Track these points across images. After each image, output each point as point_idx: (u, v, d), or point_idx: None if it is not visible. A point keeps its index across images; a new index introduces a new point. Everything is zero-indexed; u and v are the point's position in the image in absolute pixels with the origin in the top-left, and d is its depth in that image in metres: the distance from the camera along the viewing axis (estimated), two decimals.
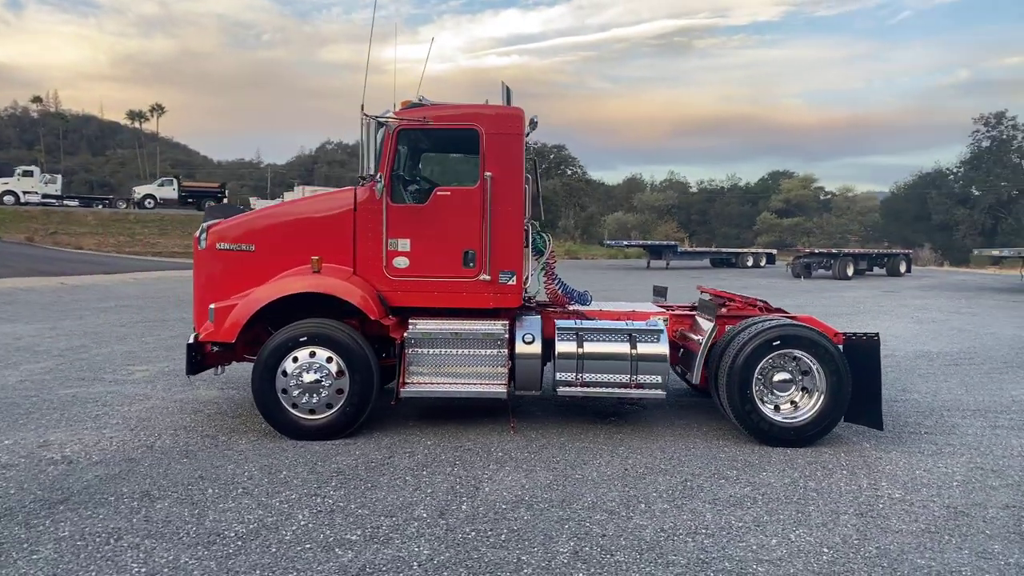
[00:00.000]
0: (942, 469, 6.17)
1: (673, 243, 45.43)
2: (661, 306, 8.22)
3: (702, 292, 8.57)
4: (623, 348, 6.82)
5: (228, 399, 8.40)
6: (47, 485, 5.50)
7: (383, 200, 6.99)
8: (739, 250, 49.00)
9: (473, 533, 4.74)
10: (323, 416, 6.71)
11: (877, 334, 6.81)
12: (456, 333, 6.84)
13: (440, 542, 4.60)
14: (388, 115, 6.96)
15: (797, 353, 6.67)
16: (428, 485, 5.63)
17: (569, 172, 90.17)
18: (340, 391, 6.70)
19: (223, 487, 5.51)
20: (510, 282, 7.02)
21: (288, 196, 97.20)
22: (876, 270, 39.47)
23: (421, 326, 6.88)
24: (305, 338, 6.67)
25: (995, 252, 33.72)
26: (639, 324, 7.08)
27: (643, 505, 5.27)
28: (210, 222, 7.29)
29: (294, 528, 4.78)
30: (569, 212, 73.82)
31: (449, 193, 6.99)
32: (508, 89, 7.81)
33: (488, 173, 6.88)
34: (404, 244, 7.02)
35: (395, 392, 6.93)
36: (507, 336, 6.85)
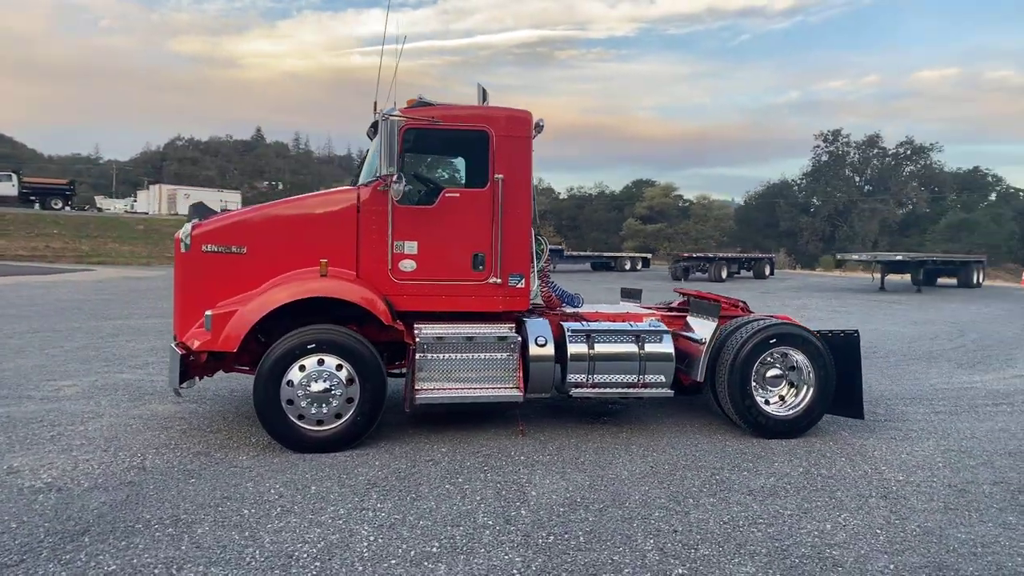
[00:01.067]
0: (921, 452, 6.81)
1: (559, 247, 46.58)
2: (646, 307, 8.48)
3: (681, 294, 8.94)
4: (632, 348, 7.00)
5: (192, 412, 7.78)
6: (51, 516, 4.89)
7: (389, 201, 6.76)
8: (618, 254, 51.10)
9: (552, 537, 4.72)
10: (331, 427, 6.40)
11: (856, 331, 7.41)
12: (469, 337, 6.74)
13: (525, 548, 4.54)
14: (395, 113, 6.75)
15: (789, 350, 7.12)
16: (473, 492, 5.51)
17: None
18: (350, 400, 6.41)
19: (257, 506, 5.13)
20: (519, 285, 7.01)
21: (143, 196, 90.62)
22: (743, 272, 42.50)
23: (430, 330, 6.72)
24: (313, 345, 6.33)
25: (855, 256, 37.31)
26: (642, 325, 7.29)
27: (691, 500, 5.45)
28: (195, 222, 6.73)
29: (365, 544, 4.55)
30: None
31: (458, 195, 6.88)
32: (484, 91, 7.79)
33: (499, 175, 6.84)
34: (411, 247, 6.83)
35: (405, 399, 6.72)
36: (520, 339, 6.83)
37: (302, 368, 6.33)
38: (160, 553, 4.36)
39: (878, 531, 4.91)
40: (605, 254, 50.98)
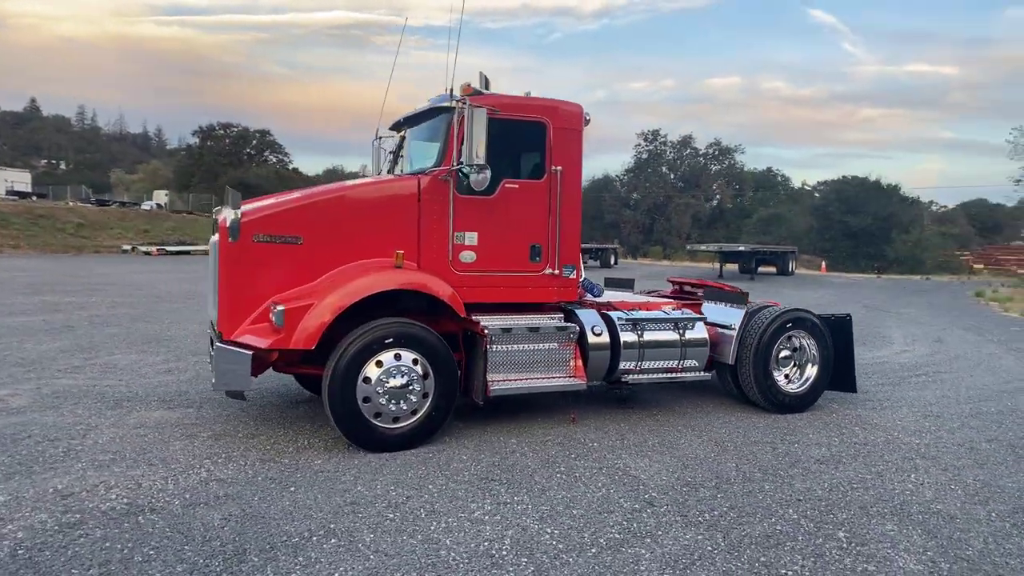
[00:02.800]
0: (907, 419, 7.86)
1: None
2: (661, 295, 8.93)
3: (673, 282, 9.48)
4: (673, 335, 7.40)
5: (195, 418, 7.08)
6: (177, 539, 4.36)
7: (450, 190, 6.60)
8: None
9: (708, 515, 4.98)
10: (408, 423, 6.19)
11: (849, 315, 8.35)
12: (533, 328, 6.77)
13: (696, 527, 4.77)
14: (455, 99, 6.60)
15: (798, 333, 7.89)
16: (588, 479, 5.62)
17: (274, 160, 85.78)
18: (425, 395, 6.23)
19: (395, 509, 4.91)
20: (571, 276, 7.14)
21: None
22: (590, 262, 44.76)
23: (497, 322, 6.67)
24: (391, 339, 6.07)
25: (702, 247, 40.58)
26: (677, 313, 7.71)
27: (781, 472, 5.94)
28: (243, 209, 6.12)
29: (547, 536, 4.55)
30: None
31: (517, 186, 6.85)
32: (487, 78, 7.82)
33: (558, 167, 6.91)
34: (471, 237, 6.71)
35: (474, 391, 6.61)
36: (578, 329, 6.97)
37: (379, 364, 6.05)
38: (358, 564, 4.08)
39: (952, 487, 5.70)
40: None
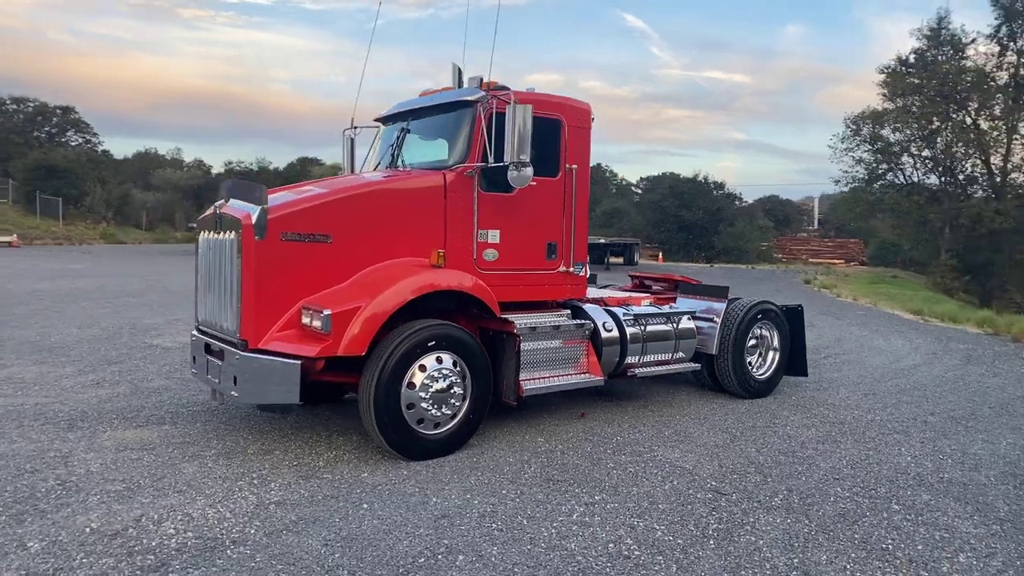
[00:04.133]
0: (853, 398, 8.75)
1: None
2: (634, 289, 9.20)
3: (633, 277, 9.80)
4: (668, 328, 7.72)
5: (187, 435, 6.38)
6: (298, 570, 3.97)
7: (474, 188, 6.44)
8: None
9: (781, 498, 5.31)
10: (446, 428, 5.99)
11: (800, 306, 9.12)
12: (556, 327, 6.77)
13: (776, 512, 5.07)
14: (479, 95, 6.43)
15: (764, 323, 8.52)
16: (652, 473, 5.75)
17: (80, 140, 77.10)
18: (464, 398, 6.07)
19: (496, 520, 4.77)
20: (581, 273, 7.22)
21: None
22: (613, 260, 44.26)
23: (524, 321, 6.60)
24: (433, 342, 5.83)
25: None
26: (665, 308, 8.02)
27: (808, 451, 6.43)
28: (269, 205, 5.56)
29: (666, 529, 4.65)
30: (95, 187, 62.98)
31: (535, 183, 6.79)
32: (460, 71, 7.79)
33: (573, 165, 6.94)
34: (494, 235, 6.59)
35: (503, 392, 6.49)
36: (592, 326, 7.06)
37: (422, 368, 5.80)
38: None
39: (939, 456, 6.47)
40: None
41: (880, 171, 37.00)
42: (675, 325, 7.79)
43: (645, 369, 7.56)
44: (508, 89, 6.61)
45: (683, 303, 8.59)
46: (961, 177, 35.23)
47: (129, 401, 7.50)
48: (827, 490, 5.52)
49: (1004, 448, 6.82)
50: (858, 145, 36.48)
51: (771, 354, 8.66)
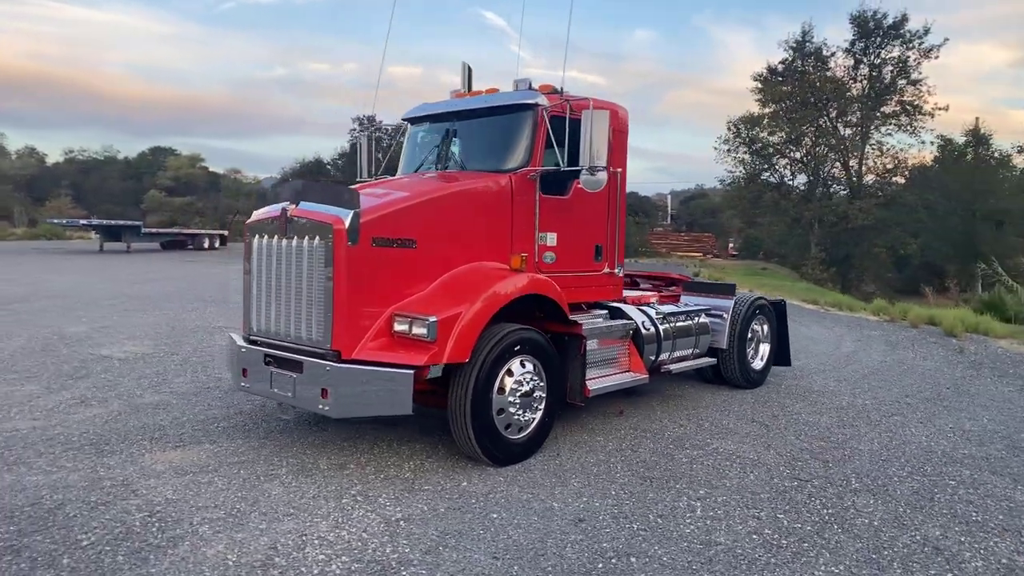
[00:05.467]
0: (831, 384, 9.52)
1: (136, 223, 40.15)
2: (631, 288, 9.43)
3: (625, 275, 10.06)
4: (691, 324, 8.06)
5: (237, 454, 5.97)
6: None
7: (535, 190, 6.45)
8: (196, 231, 46.66)
9: (856, 481, 5.75)
10: (527, 432, 5.99)
11: (783, 300, 9.77)
12: (610, 328, 6.91)
13: (864, 495, 5.51)
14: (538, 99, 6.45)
15: (760, 317, 9.09)
16: (721, 467, 6.04)
17: None
18: (542, 401, 6.09)
19: (635, 522, 4.86)
20: (620, 274, 7.39)
21: None
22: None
23: (587, 322, 6.69)
24: (518, 346, 5.81)
25: None
26: (685, 306, 8.36)
27: (836, 435, 6.96)
28: (359, 209, 5.28)
29: (791, 519, 4.92)
30: None
31: None
32: (470, 69, 7.86)
33: (617, 168, 7.09)
34: (552, 238, 6.63)
35: (569, 393, 6.52)
36: (635, 325, 7.25)
37: (509, 373, 5.77)
38: None
39: (942, 435, 7.23)
40: (185, 231, 46.03)
41: (757, 170, 39.97)
42: (695, 322, 8.15)
43: (675, 365, 7.86)
44: (558, 91, 6.67)
45: (689, 300, 8.98)
46: (825, 178, 38.75)
47: (138, 420, 6.86)
48: (885, 471, 6.04)
49: (989, 424, 7.72)
50: (738, 147, 39.21)
51: (763, 346, 9.25)
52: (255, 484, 5.29)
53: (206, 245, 45.20)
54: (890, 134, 37.20)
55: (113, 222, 40.85)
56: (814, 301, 21.19)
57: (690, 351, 8.11)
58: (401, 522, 4.70)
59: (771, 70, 38.99)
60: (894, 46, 36.36)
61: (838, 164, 37.99)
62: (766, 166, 39.74)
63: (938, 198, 36.20)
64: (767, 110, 37.27)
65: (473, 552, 4.29)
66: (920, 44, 35.76)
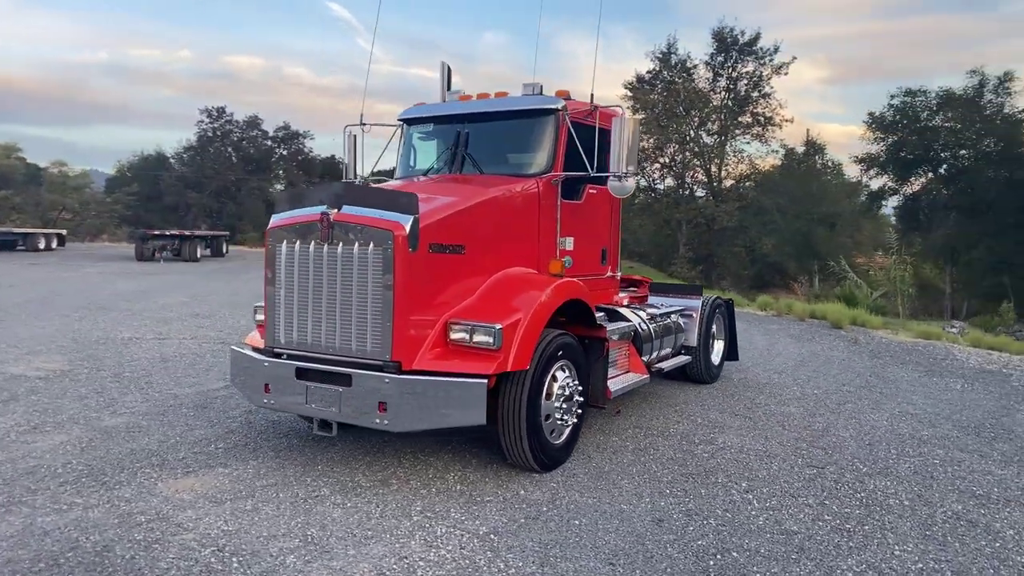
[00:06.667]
0: (778, 377, 10.23)
1: None
2: None
3: None
4: (670, 324, 8.39)
5: (268, 474, 5.57)
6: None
7: (557, 195, 6.49)
8: (31, 230, 41.94)
9: (885, 465, 6.28)
10: (564, 437, 6.02)
11: (732, 299, 10.37)
12: (623, 330, 7.04)
13: (892, 479, 6.03)
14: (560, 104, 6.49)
15: (717, 316, 9.63)
16: (747, 460, 6.37)
17: None
18: (578, 404, 6.14)
19: (711, 518, 5.04)
20: (617, 276, 7.57)
21: None
22: (200, 251, 40.72)
23: (610, 326, 6.79)
24: (561, 351, 5.83)
25: None
26: (666, 307, 8.67)
27: (818, 418, 7.54)
28: (422, 212, 5.05)
29: (856, 507, 5.30)
30: None
31: (596, 191, 6.99)
32: (449, 69, 7.92)
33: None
34: (569, 242, 6.68)
35: (592, 396, 6.57)
36: (635, 327, 7.45)
37: (554, 378, 5.77)
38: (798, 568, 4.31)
39: (900, 419, 8.03)
40: (16, 230, 41.20)
41: None
42: (673, 321, 8.50)
43: (665, 364, 8.16)
44: (568, 96, 6.73)
45: (658, 301, 9.32)
46: (690, 182, 41.41)
47: (118, 446, 6.17)
48: (876, 454, 6.63)
49: (927, 407, 8.66)
50: None
51: (718, 343, 9.80)
52: (307, 507, 4.95)
53: (42, 246, 40.97)
54: (748, 143, 40.43)
55: None
56: None
57: (670, 350, 8.45)
58: (492, 536, 4.59)
59: (639, 78, 41.10)
60: (748, 61, 39.53)
61: (701, 170, 40.76)
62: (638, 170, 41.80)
63: (785, 202, 39.74)
64: (640, 116, 39.21)
65: (586, 560, 4.28)
66: (771, 61, 39.16)
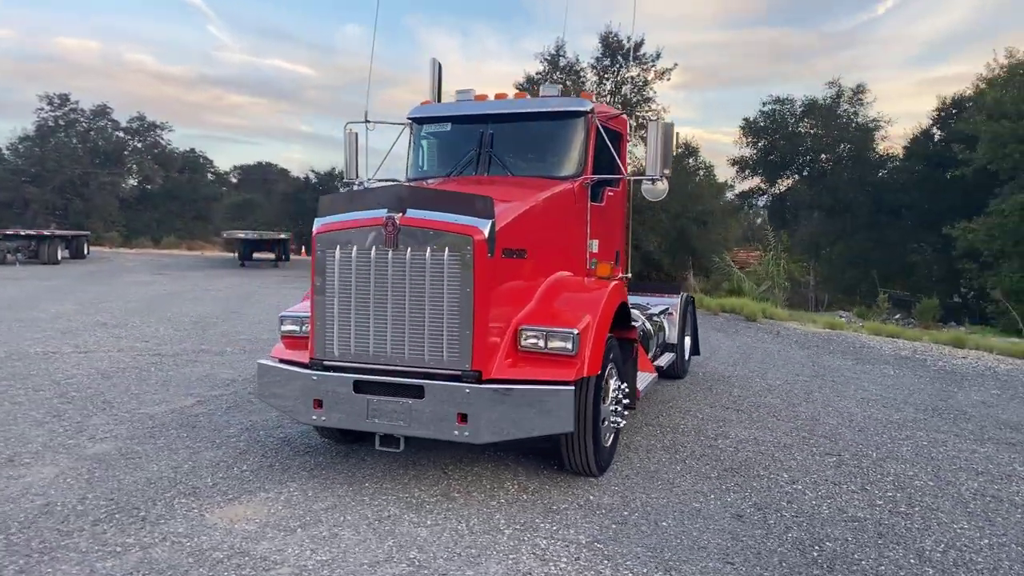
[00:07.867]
0: (741, 370, 10.75)
1: None
2: None
3: None
4: (660, 322, 8.60)
5: (319, 491, 5.20)
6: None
7: (587, 198, 6.49)
8: None
9: (908, 447, 6.73)
10: (611, 440, 6.05)
11: (693, 297, 10.76)
12: (642, 332, 7.14)
13: (914, 465, 6.50)
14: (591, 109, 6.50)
15: (689, 313, 9.99)
16: (767, 454, 6.66)
17: None
18: (624, 406, 6.18)
19: (787, 513, 5.24)
20: (628, 278, 7.67)
21: None
22: (60, 253, 37.07)
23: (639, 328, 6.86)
24: (611, 355, 5.85)
25: (240, 234, 36.13)
26: (651, 305, 8.85)
27: (801, 408, 8.00)
28: (495, 218, 4.86)
29: (918, 489, 5.67)
30: None
31: (613, 194, 7.04)
32: (440, 66, 7.89)
33: (629, 176, 7.35)
34: (595, 245, 6.70)
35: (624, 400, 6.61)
36: (640, 326, 7.57)
37: (607, 382, 5.78)
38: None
39: (864, 405, 8.68)
40: None
41: None
42: (660, 319, 8.73)
43: (659, 362, 8.34)
44: (591, 98, 6.76)
45: (639, 299, 9.50)
46: None
47: (129, 476, 5.54)
48: (872, 440, 7.15)
49: (880, 392, 9.42)
50: None
51: (687, 339, 10.17)
52: (388, 528, 4.67)
53: None
54: (635, 145, 41.93)
55: None
56: None
57: (658, 348, 8.67)
58: (597, 544, 4.53)
59: (529, 79, 41.62)
60: (633, 66, 41.03)
61: None
62: None
63: (666, 201, 41.74)
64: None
65: (703, 561, 4.33)
66: (654, 66, 40.88)
